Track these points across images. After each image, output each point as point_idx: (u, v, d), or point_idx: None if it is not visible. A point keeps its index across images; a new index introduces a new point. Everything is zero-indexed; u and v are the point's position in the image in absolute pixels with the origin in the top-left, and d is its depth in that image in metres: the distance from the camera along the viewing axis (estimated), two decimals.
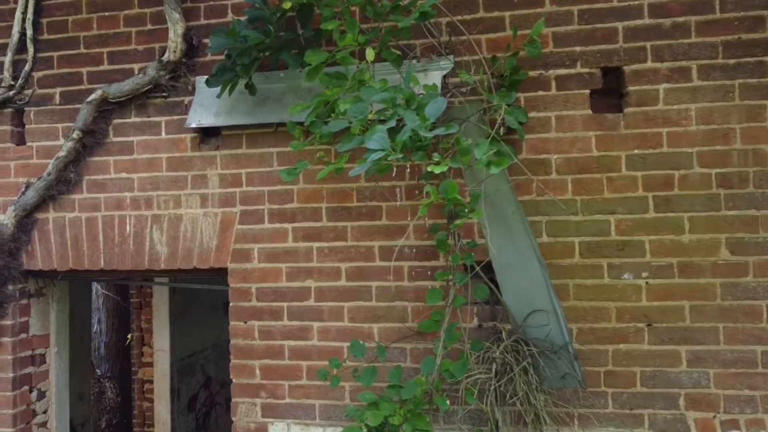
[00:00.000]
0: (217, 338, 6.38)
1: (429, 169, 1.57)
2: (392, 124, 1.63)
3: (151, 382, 5.46)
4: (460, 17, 2.30)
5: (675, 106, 2.18)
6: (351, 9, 2.04)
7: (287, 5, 2.11)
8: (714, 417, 2.13)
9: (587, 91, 2.23)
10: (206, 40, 2.48)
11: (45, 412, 2.82)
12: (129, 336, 5.60)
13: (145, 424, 5.47)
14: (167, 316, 5.41)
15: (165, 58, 2.46)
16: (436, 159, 1.62)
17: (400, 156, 1.54)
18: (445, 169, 1.59)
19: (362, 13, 2.22)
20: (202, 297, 6.01)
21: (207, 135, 2.49)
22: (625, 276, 2.18)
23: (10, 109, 2.67)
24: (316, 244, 2.39)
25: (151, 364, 5.46)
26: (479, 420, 2.17)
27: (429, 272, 2.27)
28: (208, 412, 6.09)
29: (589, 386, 2.18)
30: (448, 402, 1.94)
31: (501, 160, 1.63)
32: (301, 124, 2.16)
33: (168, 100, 2.52)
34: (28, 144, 2.66)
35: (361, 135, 1.73)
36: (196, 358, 5.94)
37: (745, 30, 2.15)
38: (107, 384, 5.66)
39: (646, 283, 2.17)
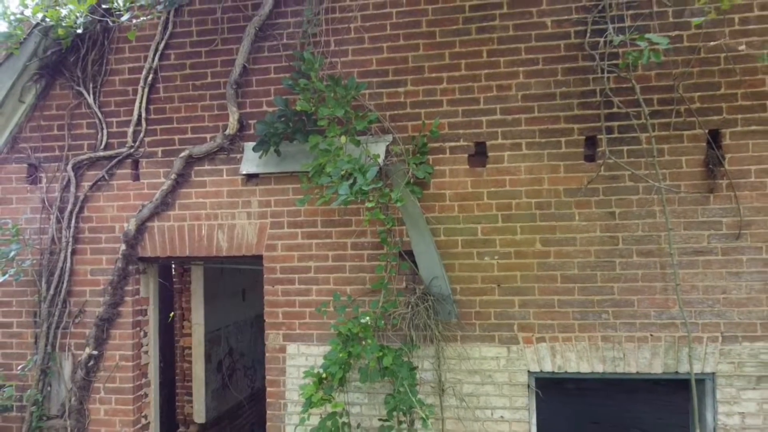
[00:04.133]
0: (237, 318, 8.14)
1: (366, 204, 3.33)
2: (351, 181, 3.38)
3: (190, 348, 7.18)
4: (396, 111, 4.06)
5: (513, 164, 3.93)
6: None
7: (299, 108, 3.86)
8: (532, 336, 3.86)
9: (466, 155, 3.98)
10: (251, 121, 4.23)
11: (147, 344, 4.56)
12: (171, 314, 7.31)
13: (185, 380, 7.19)
14: (202, 297, 7.15)
15: (227, 132, 4.21)
16: (370, 199, 3.38)
17: (353, 197, 3.29)
18: (373, 204, 3.35)
19: None
20: (226, 285, 7.76)
21: (251, 177, 4.24)
22: (486, 258, 3.93)
23: (130, 160, 4.42)
24: (314, 241, 4.13)
25: (189, 335, 7.18)
26: (403, 339, 3.90)
27: (378, 256, 4.02)
28: (231, 374, 7.83)
29: (465, 320, 3.92)
30: (383, 322, 3.69)
31: (404, 199, 3.39)
32: (306, 173, 3.90)
33: (228, 156, 4.27)
34: (141, 181, 4.41)
35: (337, 184, 3.47)
36: (222, 332, 7.68)
37: (550, 123, 3.90)
38: None
39: (497, 262, 3.91)
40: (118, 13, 3.75)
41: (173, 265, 7.05)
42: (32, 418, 4.30)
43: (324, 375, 3.59)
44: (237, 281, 8.00)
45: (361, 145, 3.79)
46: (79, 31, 4.02)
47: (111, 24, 3.99)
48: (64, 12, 3.68)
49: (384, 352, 3.59)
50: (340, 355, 3.57)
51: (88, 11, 3.75)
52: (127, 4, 3.64)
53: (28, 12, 3.84)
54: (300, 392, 3.79)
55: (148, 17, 3.81)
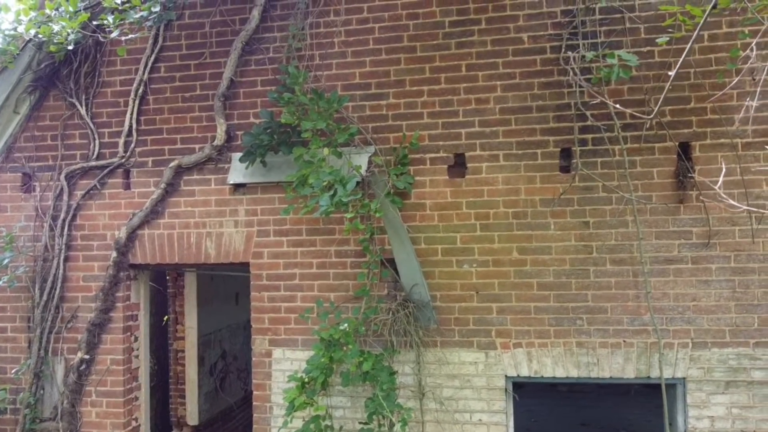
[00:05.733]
0: (230, 321, 8.26)
1: (345, 215, 3.45)
2: (332, 192, 3.51)
3: (183, 351, 7.31)
4: (378, 123, 4.19)
5: (491, 175, 4.05)
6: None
7: (283, 121, 3.99)
8: (509, 341, 3.99)
9: (446, 166, 4.11)
10: (238, 133, 4.36)
11: (137, 349, 4.69)
12: (165, 318, 7.44)
13: (178, 383, 7.32)
14: (195, 302, 7.27)
15: (215, 143, 4.33)
16: (350, 209, 3.50)
17: (333, 208, 3.42)
18: (353, 214, 3.48)
19: None
20: (219, 289, 7.88)
21: (238, 187, 4.36)
22: (465, 266, 4.05)
23: (121, 169, 4.55)
24: (299, 249, 4.26)
25: (183, 338, 7.30)
26: (384, 344, 4.02)
27: (360, 264, 4.14)
28: (224, 377, 7.95)
29: (444, 326, 4.04)
30: (364, 328, 3.81)
31: (383, 209, 3.52)
32: (291, 184, 4.02)
33: (216, 166, 4.39)
34: (132, 190, 4.54)
35: (319, 195, 3.60)
36: (215, 335, 7.81)
37: (527, 135, 4.02)
38: None
39: (476, 270, 4.04)
40: (108, 29, 3.87)
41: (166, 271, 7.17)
42: (25, 421, 4.43)
43: (307, 379, 3.71)
44: (230, 286, 8.12)
45: (343, 156, 3.92)
46: (71, 47, 4.14)
47: (102, 40, 4.12)
48: (56, 28, 3.81)
49: (365, 357, 3.71)
50: (322, 360, 3.69)
51: (79, 27, 3.87)
52: (117, 21, 3.77)
53: (21, 28, 3.97)
54: (284, 396, 3.91)
55: (138, 34, 3.94)
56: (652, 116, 2.85)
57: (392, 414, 3.52)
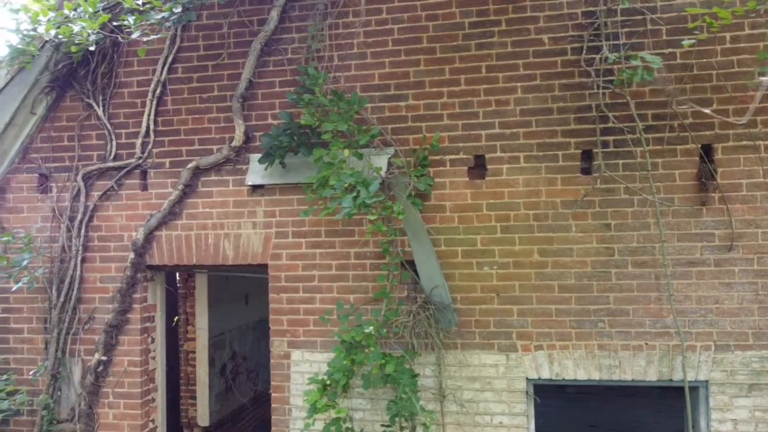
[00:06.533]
0: (240, 322, 8.25)
1: (368, 217, 3.44)
2: (354, 194, 3.50)
3: (194, 352, 7.30)
4: (398, 125, 4.17)
5: (512, 177, 4.04)
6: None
7: (303, 122, 3.97)
8: (530, 343, 3.97)
9: (466, 168, 4.09)
10: (257, 134, 4.34)
11: (154, 350, 4.67)
12: (176, 318, 7.43)
13: (189, 383, 7.31)
14: (206, 303, 7.27)
15: (233, 144, 4.32)
16: (373, 211, 3.49)
17: (356, 210, 3.41)
18: (375, 216, 3.46)
19: None
20: (230, 290, 7.87)
21: (256, 188, 4.34)
22: (485, 268, 4.04)
23: (138, 170, 4.53)
24: (318, 250, 4.24)
25: (194, 339, 7.29)
26: (405, 346, 4.00)
27: (380, 266, 4.12)
28: (234, 378, 7.94)
29: (464, 328, 4.02)
30: (385, 330, 3.80)
31: (404, 212, 3.50)
32: (310, 185, 4.00)
33: (234, 167, 4.38)
34: (149, 191, 4.52)
35: (341, 197, 3.59)
36: (226, 336, 7.80)
37: (547, 137, 4.00)
38: None
39: (496, 272, 4.02)
40: (128, 30, 3.86)
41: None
42: (43, 422, 4.42)
43: (328, 381, 3.70)
44: (240, 286, 8.11)
45: (363, 158, 3.91)
46: (92, 48, 4.12)
47: (121, 41, 4.10)
48: (76, 29, 3.79)
49: (386, 359, 3.70)
50: (344, 362, 3.68)
51: (98, 28, 3.86)
52: (138, 22, 3.75)
53: (40, 29, 3.96)
54: (304, 398, 3.89)
55: (158, 35, 3.92)
56: (743, 120, 2.81)
57: (422, 415, 3.50)
